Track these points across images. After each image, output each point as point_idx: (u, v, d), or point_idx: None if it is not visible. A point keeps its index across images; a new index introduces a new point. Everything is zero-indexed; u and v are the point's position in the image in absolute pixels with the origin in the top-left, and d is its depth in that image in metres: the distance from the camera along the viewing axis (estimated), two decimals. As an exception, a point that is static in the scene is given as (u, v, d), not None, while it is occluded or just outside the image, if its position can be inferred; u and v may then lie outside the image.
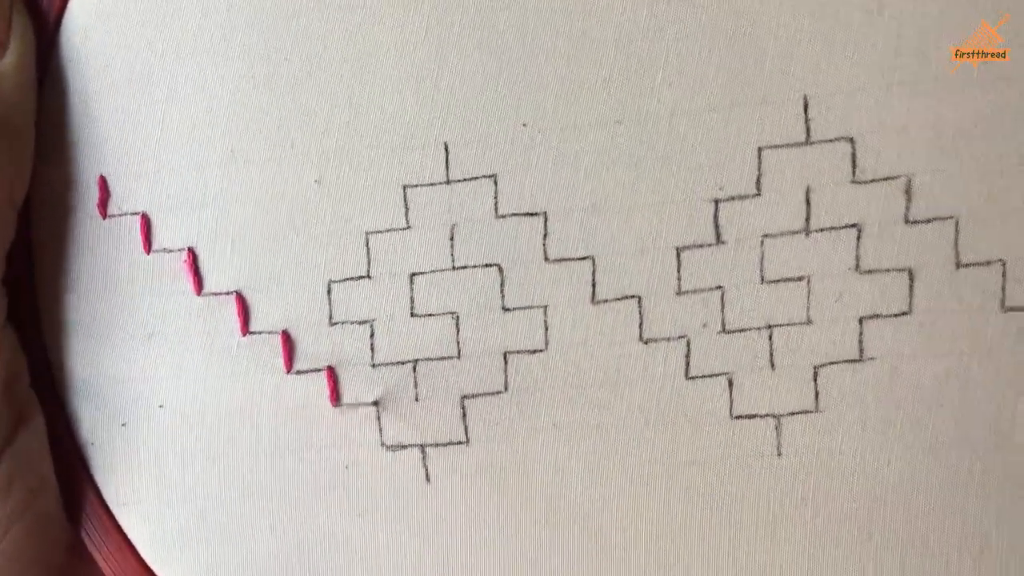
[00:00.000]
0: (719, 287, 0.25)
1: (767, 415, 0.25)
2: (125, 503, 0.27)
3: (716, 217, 0.25)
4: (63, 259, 0.27)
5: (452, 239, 0.26)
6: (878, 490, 0.25)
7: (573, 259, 0.25)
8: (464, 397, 0.26)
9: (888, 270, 0.24)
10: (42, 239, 0.27)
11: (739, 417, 0.25)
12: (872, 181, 0.24)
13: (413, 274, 0.26)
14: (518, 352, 0.26)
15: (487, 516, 0.26)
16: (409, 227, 0.26)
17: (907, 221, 0.24)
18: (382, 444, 0.26)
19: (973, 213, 0.24)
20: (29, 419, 0.27)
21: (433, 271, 0.26)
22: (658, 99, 0.25)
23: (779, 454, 0.25)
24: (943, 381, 0.24)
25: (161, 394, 0.27)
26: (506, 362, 0.26)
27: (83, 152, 0.27)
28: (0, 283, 0.27)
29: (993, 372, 0.24)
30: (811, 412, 0.25)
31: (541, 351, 0.26)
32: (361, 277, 0.26)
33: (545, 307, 0.26)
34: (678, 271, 0.25)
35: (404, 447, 0.26)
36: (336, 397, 0.26)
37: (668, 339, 0.25)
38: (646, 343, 0.25)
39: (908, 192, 0.24)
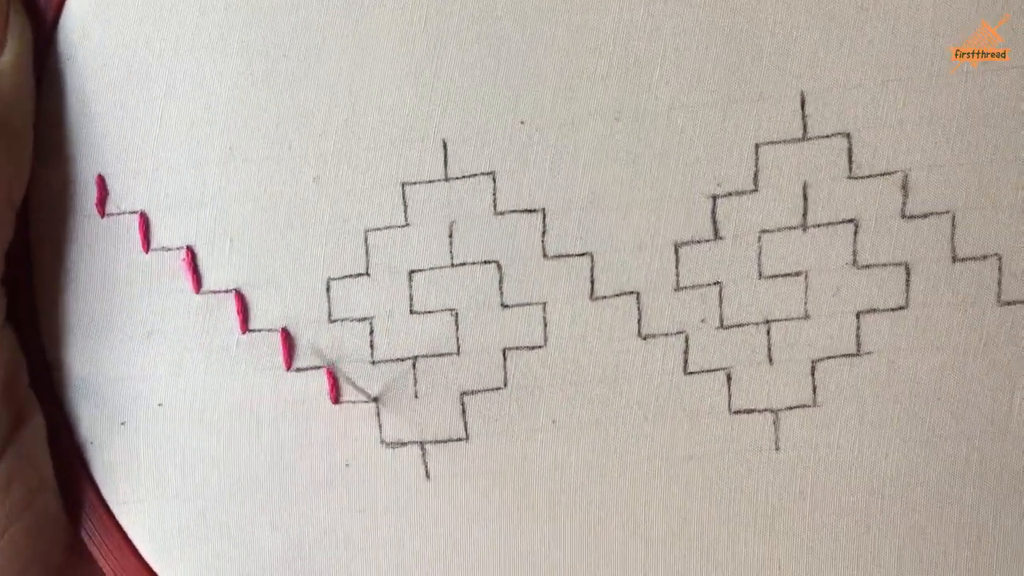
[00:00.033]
0: (717, 283, 0.25)
1: (765, 410, 0.25)
2: (125, 502, 0.27)
3: (714, 213, 0.25)
4: (62, 258, 0.27)
5: (451, 236, 0.26)
6: (876, 483, 0.25)
7: (572, 255, 0.25)
8: (463, 394, 0.26)
9: (885, 265, 0.24)
10: (40, 238, 0.27)
11: (737, 412, 0.25)
12: (868, 176, 0.24)
13: (412, 271, 0.26)
14: (517, 348, 0.26)
15: (487, 512, 0.26)
16: (408, 224, 0.26)
17: (903, 216, 0.24)
18: (382, 441, 0.26)
19: (969, 208, 0.24)
20: (28, 418, 0.27)
21: (432, 268, 0.26)
22: (656, 96, 0.25)
23: (777, 448, 0.25)
24: (940, 374, 0.25)
25: (160, 392, 0.27)
26: (505, 358, 0.26)
27: (81, 151, 0.27)
28: (-1, 283, 0.27)
29: (989, 365, 0.24)
30: (809, 406, 0.25)
31: (540, 347, 0.26)
32: (360, 274, 0.26)
33: (544, 303, 0.26)
34: (676, 267, 0.25)
35: (404, 444, 0.26)
36: (336, 394, 0.26)
37: (667, 335, 0.25)
38: (645, 339, 0.25)
39: (904, 187, 0.24)
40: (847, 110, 0.24)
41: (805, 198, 0.25)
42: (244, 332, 0.26)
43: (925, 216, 0.24)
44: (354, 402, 0.26)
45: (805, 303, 0.25)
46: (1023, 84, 0.24)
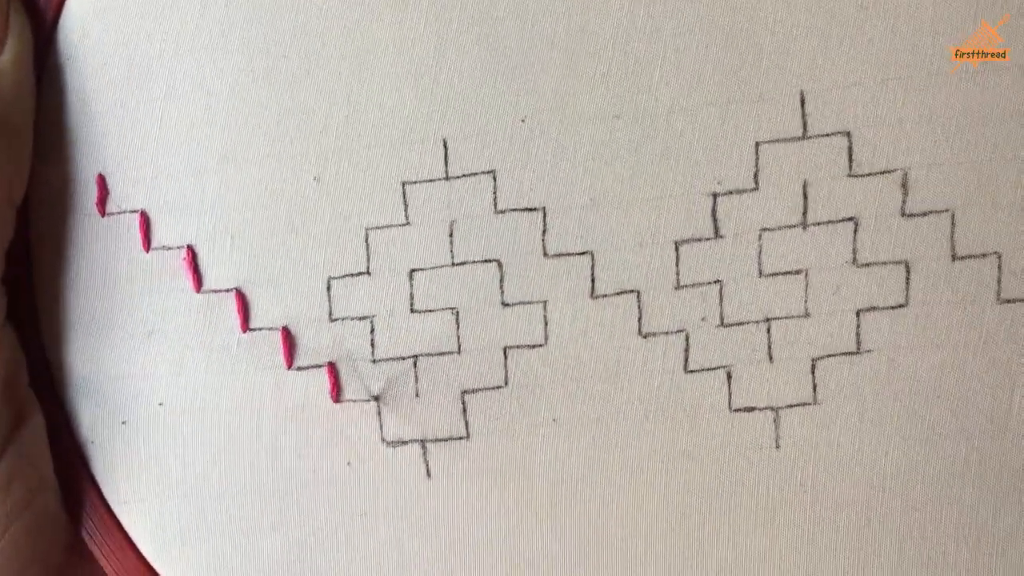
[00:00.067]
0: (717, 281, 0.25)
1: (765, 408, 0.25)
2: (125, 501, 0.27)
3: (714, 211, 0.25)
4: (62, 257, 0.27)
5: (451, 235, 0.26)
6: (876, 481, 0.25)
7: (572, 254, 0.25)
8: (464, 392, 0.26)
9: (885, 263, 0.25)
10: (41, 237, 0.27)
11: (738, 410, 0.25)
12: (868, 175, 0.24)
13: (413, 270, 0.26)
14: (518, 347, 0.26)
15: (488, 510, 0.26)
16: (408, 223, 0.26)
17: (903, 214, 0.24)
18: (383, 440, 0.26)
19: (969, 206, 0.24)
20: (28, 418, 0.27)
21: (433, 267, 0.26)
22: (656, 95, 0.25)
23: (777, 446, 0.25)
24: (940, 373, 0.25)
25: (161, 392, 0.27)
26: (506, 357, 0.26)
27: (81, 150, 0.27)
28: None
29: (989, 363, 0.24)
30: (809, 404, 0.25)
31: (541, 346, 0.26)
32: (361, 273, 0.26)
33: (544, 302, 0.26)
34: (677, 265, 0.25)
35: (405, 443, 0.26)
36: (337, 393, 0.26)
37: (667, 333, 0.25)
38: (645, 337, 0.25)
39: (904, 185, 0.24)
40: (847, 109, 0.24)
41: (805, 196, 0.25)
42: (245, 331, 0.26)
43: (925, 214, 0.24)
44: (355, 401, 0.26)
45: (805, 301, 0.25)
46: (1023, 83, 0.24)
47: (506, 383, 0.26)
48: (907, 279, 0.25)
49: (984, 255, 0.24)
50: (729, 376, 0.25)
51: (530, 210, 0.25)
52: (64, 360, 0.27)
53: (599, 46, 0.25)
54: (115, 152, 0.26)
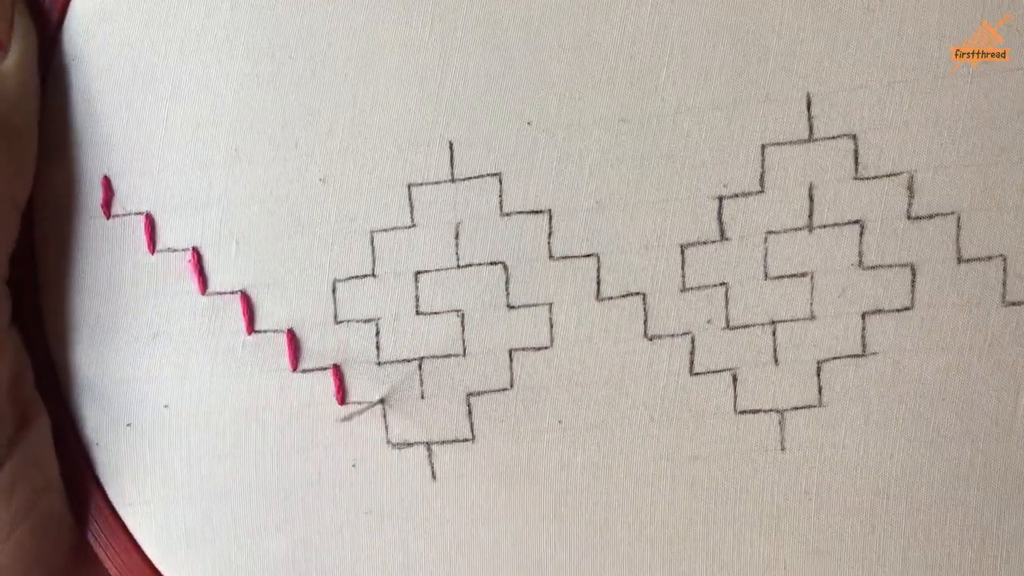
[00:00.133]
0: (723, 283, 0.25)
1: (771, 410, 0.25)
2: (131, 503, 0.27)
3: (720, 214, 0.25)
4: (67, 259, 0.27)
5: (457, 237, 0.26)
6: (881, 483, 0.25)
7: (578, 257, 0.25)
8: (470, 395, 0.26)
9: (891, 265, 0.25)
10: (46, 239, 0.27)
11: (743, 412, 0.25)
12: (874, 177, 0.24)
13: (418, 272, 0.26)
14: (523, 349, 0.26)
15: (493, 513, 0.26)
16: (414, 225, 0.26)
17: (909, 217, 0.24)
18: (388, 442, 0.26)
19: (974, 208, 0.24)
20: (34, 420, 0.27)
21: (438, 269, 0.26)
22: (662, 97, 0.25)
23: (783, 448, 0.25)
24: (945, 375, 0.25)
25: (166, 394, 0.27)
26: (511, 359, 0.26)
27: (86, 152, 0.27)
28: (4, 283, 0.26)
29: (994, 366, 0.24)
30: (814, 407, 0.25)
31: (546, 348, 0.26)
32: (366, 276, 0.26)
33: (550, 304, 0.26)
34: (682, 268, 0.25)
35: (410, 445, 0.26)
36: (342, 395, 0.26)
37: (673, 336, 0.25)
38: (651, 340, 0.25)
39: (910, 188, 0.24)
40: (853, 111, 0.24)
41: (811, 199, 0.25)
42: (250, 333, 0.26)
43: (931, 217, 0.24)
44: (360, 403, 0.26)
45: (811, 304, 0.25)
46: (1029, 86, 0.24)
47: (511, 385, 0.26)
48: (913, 282, 0.25)
49: (989, 258, 0.24)
50: (735, 378, 0.25)
51: (536, 212, 0.25)
52: (69, 362, 0.27)
53: (605, 49, 0.25)
54: (120, 154, 0.26)
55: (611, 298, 0.25)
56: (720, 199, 0.25)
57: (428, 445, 0.26)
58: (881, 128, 0.24)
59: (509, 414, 0.26)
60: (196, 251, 0.26)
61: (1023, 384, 0.24)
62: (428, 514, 0.26)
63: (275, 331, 0.26)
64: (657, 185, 0.25)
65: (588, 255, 0.25)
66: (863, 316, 0.25)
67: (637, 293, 0.25)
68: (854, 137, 0.24)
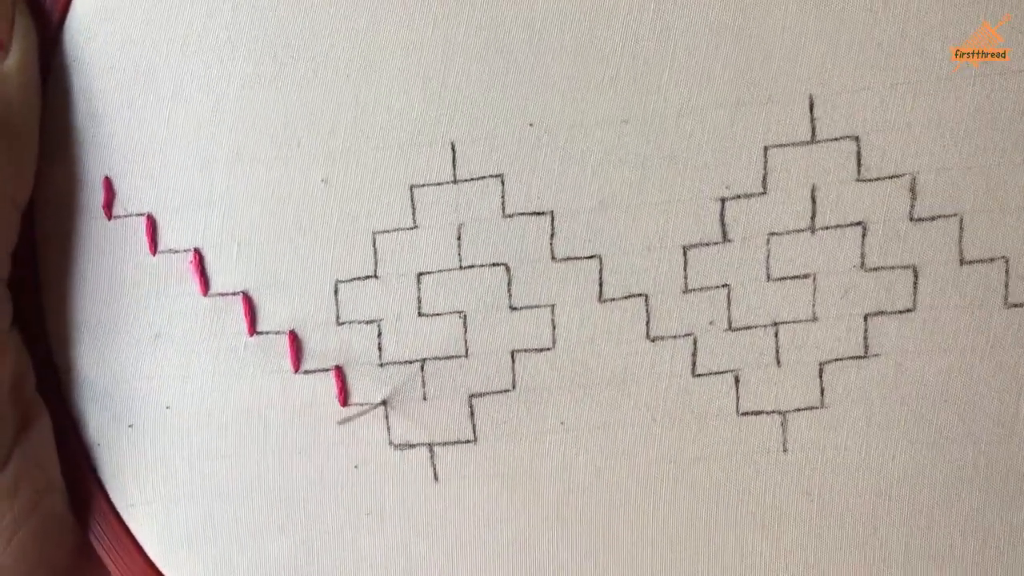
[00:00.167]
0: (725, 285, 0.25)
1: (773, 411, 0.25)
2: (133, 504, 0.27)
3: (722, 215, 0.25)
4: (68, 260, 0.27)
5: (459, 238, 0.26)
6: (883, 484, 0.25)
7: (580, 258, 0.25)
8: (472, 396, 0.26)
9: (893, 267, 0.25)
10: (47, 240, 0.27)
11: (745, 414, 0.25)
12: (877, 179, 0.24)
13: (420, 274, 0.26)
14: (525, 351, 0.26)
15: (495, 514, 0.26)
16: (416, 227, 0.26)
17: (912, 219, 0.24)
18: (390, 443, 0.26)
19: (977, 210, 0.24)
20: (35, 420, 0.27)
21: (440, 270, 0.26)
22: (665, 98, 0.25)
23: (785, 450, 0.25)
24: (947, 377, 0.25)
25: (168, 395, 0.27)
26: (514, 361, 0.26)
27: (88, 152, 0.27)
28: (5, 285, 0.26)
29: (996, 368, 0.24)
30: (817, 408, 0.25)
31: (548, 350, 0.26)
32: (368, 277, 0.26)
33: (552, 306, 0.26)
34: (685, 269, 0.25)
35: (412, 446, 0.26)
36: (344, 397, 0.26)
37: (675, 337, 0.25)
38: (653, 341, 0.25)
39: (913, 190, 0.24)
40: (856, 113, 0.24)
41: (813, 201, 0.25)
42: (252, 334, 0.26)
43: (933, 219, 0.24)
44: (362, 404, 0.26)
45: (813, 305, 0.25)
46: (1032, 88, 0.24)
47: (514, 387, 0.26)
48: (915, 283, 0.25)
49: (992, 260, 0.24)
50: (737, 380, 0.25)
51: (538, 214, 0.25)
52: (71, 363, 0.27)
53: (607, 50, 0.25)
54: (122, 154, 0.26)
55: (613, 299, 0.25)
56: (722, 200, 0.25)
57: (430, 446, 0.26)
58: (884, 130, 0.24)
59: (511, 415, 0.26)
60: (198, 252, 0.26)
61: (1025, 386, 0.24)
62: (430, 515, 0.26)
63: (277, 332, 0.26)
64: (659, 186, 0.25)
65: (590, 256, 0.25)
66: (865, 317, 0.25)
67: (639, 294, 0.25)
68: (857, 139, 0.24)
